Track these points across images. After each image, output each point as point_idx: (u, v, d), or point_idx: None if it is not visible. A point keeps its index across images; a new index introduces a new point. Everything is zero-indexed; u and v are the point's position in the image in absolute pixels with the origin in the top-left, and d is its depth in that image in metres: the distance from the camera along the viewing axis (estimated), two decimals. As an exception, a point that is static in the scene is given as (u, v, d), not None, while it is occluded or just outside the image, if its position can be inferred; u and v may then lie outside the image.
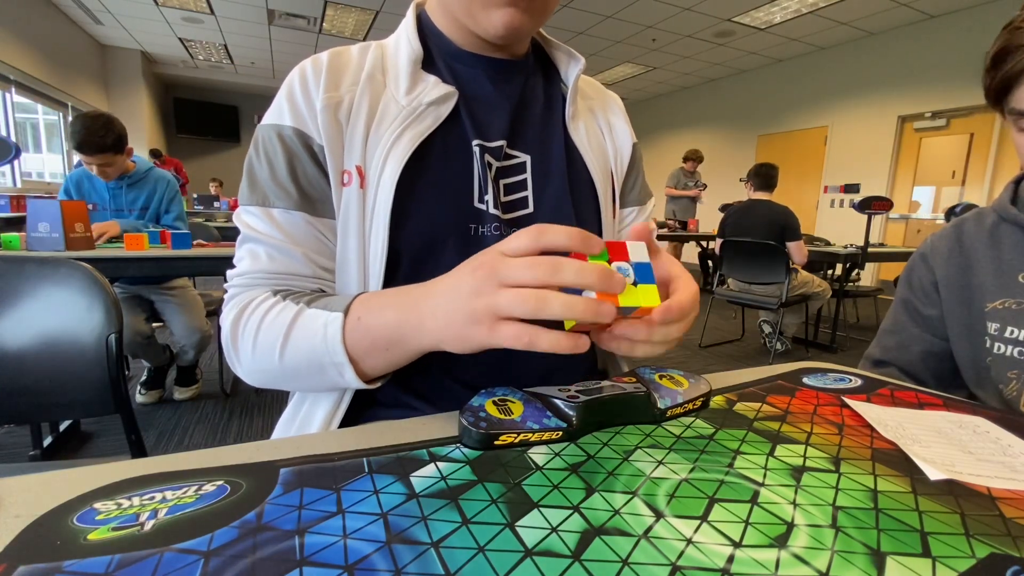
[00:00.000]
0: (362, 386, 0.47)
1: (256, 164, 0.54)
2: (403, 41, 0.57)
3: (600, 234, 0.63)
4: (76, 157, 2.13)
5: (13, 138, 4.67)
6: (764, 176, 3.19)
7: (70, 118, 6.08)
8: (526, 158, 0.59)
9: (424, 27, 0.59)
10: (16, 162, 4.72)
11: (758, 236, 3.03)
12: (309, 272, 0.53)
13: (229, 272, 0.54)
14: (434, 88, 0.54)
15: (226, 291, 0.54)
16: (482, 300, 0.37)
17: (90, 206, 2.08)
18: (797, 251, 3.03)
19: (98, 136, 1.94)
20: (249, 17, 5.83)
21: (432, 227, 0.53)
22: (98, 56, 6.90)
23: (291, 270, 0.53)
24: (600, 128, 0.66)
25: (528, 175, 0.59)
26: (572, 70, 0.62)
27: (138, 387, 2.26)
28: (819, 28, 5.65)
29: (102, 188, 2.13)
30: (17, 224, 2.94)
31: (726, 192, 7.37)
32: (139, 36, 6.69)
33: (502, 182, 0.57)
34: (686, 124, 8.52)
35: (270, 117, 0.54)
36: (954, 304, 0.70)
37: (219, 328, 0.54)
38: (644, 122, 8.98)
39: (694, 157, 5.52)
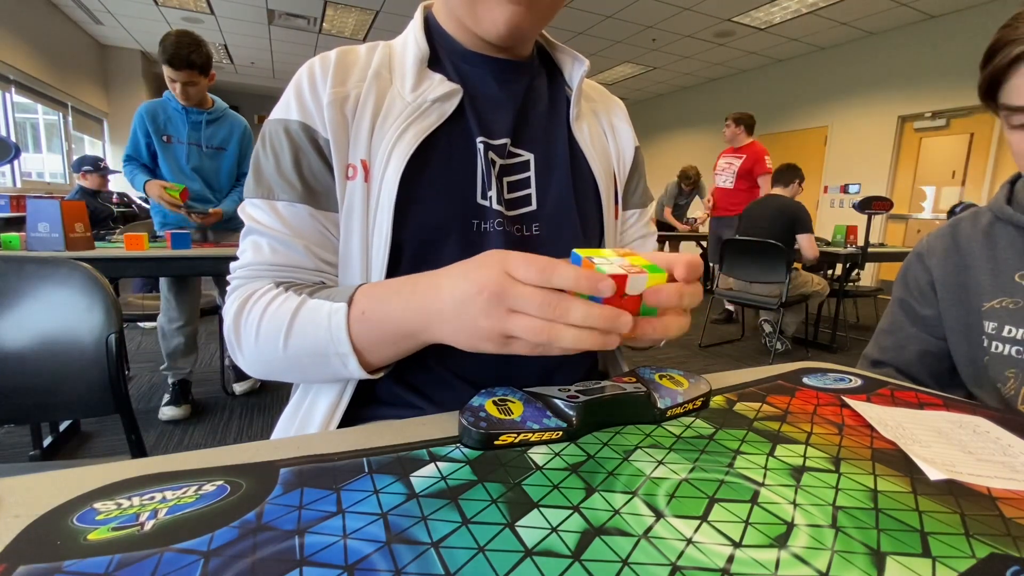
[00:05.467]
0: (365, 376, 0.48)
1: (262, 158, 0.55)
2: (410, 41, 0.58)
3: (602, 233, 0.63)
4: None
5: (13, 138, 4.67)
6: (779, 172, 3.31)
7: (70, 118, 6.07)
8: (530, 156, 0.59)
9: (431, 28, 0.60)
10: (16, 162, 4.72)
11: (769, 226, 3.08)
12: (311, 265, 0.54)
13: (232, 264, 0.55)
14: (439, 85, 0.55)
15: (229, 283, 0.55)
16: (491, 322, 0.38)
17: (164, 138, 2.07)
18: (807, 244, 3.08)
19: (188, 51, 1.93)
20: (249, 17, 5.83)
21: (435, 222, 0.54)
22: (98, 56, 6.89)
23: (293, 262, 0.53)
24: (603, 130, 0.66)
25: (532, 173, 0.59)
26: (576, 72, 0.63)
27: (162, 407, 2.12)
28: (819, 28, 5.65)
29: (179, 120, 2.08)
30: (17, 224, 2.94)
31: (726, 192, 7.35)
32: (139, 36, 6.68)
33: (505, 180, 0.58)
34: (686, 124, 8.52)
35: (277, 112, 0.55)
36: (951, 304, 0.70)
37: (221, 320, 0.54)
38: (644, 122, 8.97)
39: (685, 178, 5.10)
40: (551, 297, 0.36)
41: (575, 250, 0.39)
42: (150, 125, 2.06)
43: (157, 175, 2.12)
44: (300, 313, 0.48)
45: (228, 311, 0.52)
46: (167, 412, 2.11)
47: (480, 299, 0.37)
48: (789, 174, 3.28)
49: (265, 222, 0.53)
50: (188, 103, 2.05)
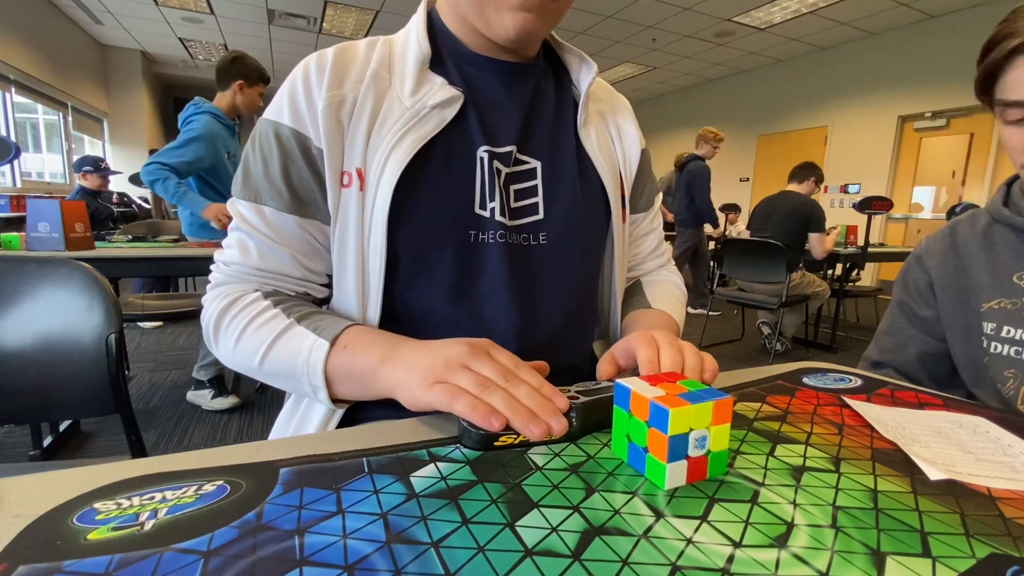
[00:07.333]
0: (331, 406, 0.49)
1: (251, 158, 0.54)
2: (412, 39, 0.56)
3: (611, 242, 0.63)
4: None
5: (13, 138, 4.67)
6: (794, 169, 3.34)
7: (70, 118, 6.07)
8: (536, 164, 0.58)
9: (434, 26, 0.58)
10: (16, 162, 4.72)
11: (783, 223, 3.11)
12: (297, 274, 0.55)
13: (217, 254, 0.56)
14: (440, 90, 0.53)
15: (211, 271, 0.56)
16: (442, 368, 0.40)
17: (227, 155, 2.14)
18: (818, 243, 3.11)
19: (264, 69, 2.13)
20: (249, 17, 5.83)
21: (429, 232, 0.53)
22: (98, 56, 6.89)
23: (280, 270, 0.54)
24: (610, 133, 0.65)
25: (539, 181, 0.58)
26: (584, 76, 0.61)
27: (211, 400, 2.17)
28: (819, 28, 5.65)
29: (229, 135, 2.14)
30: (17, 224, 2.94)
31: (727, 192, 7.36)
32: (139, 36, 6.68)
33: (512, 188, 0.57)
34: (686, 124, 8.52)
35: (270, 112, 0.54)
36: (950, 305, 0.71)
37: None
38: (644, 122, 8.92)
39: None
40: (508, 371, 0.40)
41: (619, 381, 0.38)
42: (219, 144, 2.09)
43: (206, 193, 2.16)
44: (283, 338, 0.49)
45: (211, 303, 0.53)
46: (221, 403, 2.16)
47: (455, 350, 0.42)
48: (804, 171, 3.28)
49: (254, 224, 0.53)
50: (252, 115, 2.13)
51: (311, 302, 0.57)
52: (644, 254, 0.73)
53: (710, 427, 0.34)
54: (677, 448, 0.33)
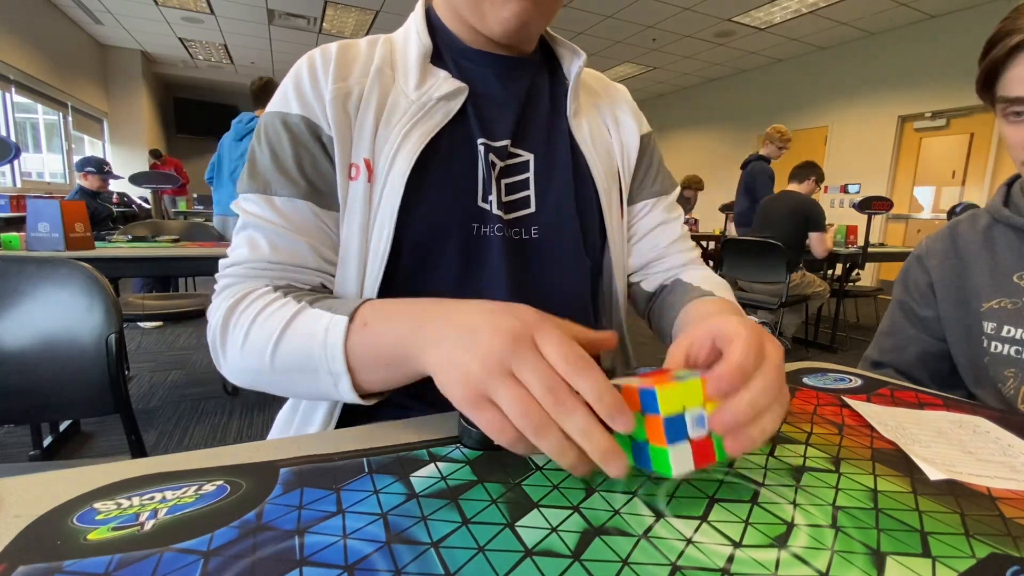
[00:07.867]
0: (357, 400, 0.42)
1: (257, 152, 0.52)
2: (412, 35, 0.56)
3: (604, 235, 0.62)
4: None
5: (13, 138, 4.67)
6: (795, 168, 3.32)
7: (70, 118, 6.07)
8: (529, 157, 0.58)
9: (432, 23, 0.58)
10: (16, 162, 4.72)
11: (783, 223, 3.11)
12: (313, 264, 0.51)
13: (222, 262, 0.51)
14: (444, 83, 0.54)
15: (216, 282, 0.51)
16: (483, 372, 0.32)
17: None
18: (819, 242, 3.11)
19: None
20: (249, 17, 5.83)
21: (434, 225, 0.53)
22: (98, 56, 6.89)
23: (295, 261, 0.50)
24: (606, 126, 0.64)
25: (531, 174, 0.58)
26: (573, 66, 0.60)
27: None
28: (819, 28, 5.65)
29: None
30: (17, 224, 2.94)
31: (727, 192, 7.36)
32: (139, 36, 6.68)
33: (504, 181, 0.57)
34: (686, 124, 8.52)
35: (275, 105, 0.53)
36: (950, 305, 0.71)
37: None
38: (644, 122, 8.98)
39: (695, 185, 5.20)
40: (562, 387, 0.31)
41: (612, 381, 0.33)
42: None
43: None
44: (295, 321, 0.43)
45: (216, 311, 0.47)
46: None
47: (492, 341, 0.32)
48: (804, 171, 3.27)
49: (263, 215, 0.50)
50: None
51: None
52: (664, 244, 0.65)
53: (705, 405, 0.33)
54: (674, 429, 0.32)
